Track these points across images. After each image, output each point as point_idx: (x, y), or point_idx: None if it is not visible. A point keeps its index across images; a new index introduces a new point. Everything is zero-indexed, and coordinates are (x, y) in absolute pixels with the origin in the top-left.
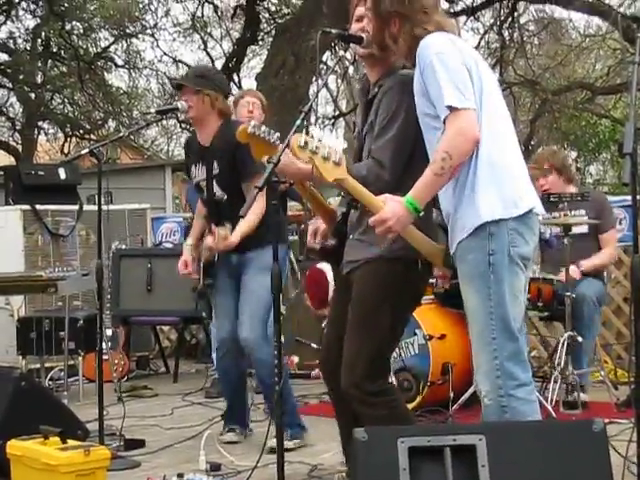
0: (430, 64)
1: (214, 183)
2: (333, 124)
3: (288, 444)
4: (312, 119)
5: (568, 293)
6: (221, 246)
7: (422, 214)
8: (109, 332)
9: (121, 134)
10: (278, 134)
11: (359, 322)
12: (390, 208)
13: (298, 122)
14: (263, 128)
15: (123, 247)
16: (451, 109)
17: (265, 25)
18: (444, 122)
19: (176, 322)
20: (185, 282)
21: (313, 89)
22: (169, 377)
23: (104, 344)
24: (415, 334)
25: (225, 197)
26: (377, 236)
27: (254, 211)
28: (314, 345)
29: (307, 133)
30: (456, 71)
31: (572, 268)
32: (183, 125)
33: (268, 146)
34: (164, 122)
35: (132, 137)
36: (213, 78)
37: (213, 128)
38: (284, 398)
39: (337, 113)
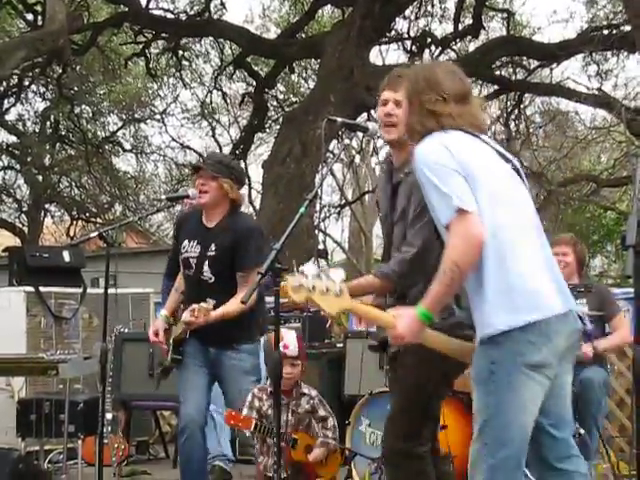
0: (424, 175)
1: (205, 263)
2: (339, 213)
3: None
4: (317, 207)
5: (572, 388)
6: (201, 319)
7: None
8: (109, 416)
9: (131, 219)
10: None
11: (406, 387)
12: (403, 325)
13: (302, 210)
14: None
15: (126, 331)
16: (451, 215)
17: (273, 113)
18: (446, 228)
19: (177, 407)
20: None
21: (319, 177)
22: (168, 462)
23: (104, 428)
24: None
25: (212, 279)
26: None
27: (239, 304)
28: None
29: (297, 271)
30: (449, 179)
31: (585, 346)
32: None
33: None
34: (170, 208)
35: (140, 221)
36: (233, 167)
37: (222, 213)
38: None
39: (343, 202)
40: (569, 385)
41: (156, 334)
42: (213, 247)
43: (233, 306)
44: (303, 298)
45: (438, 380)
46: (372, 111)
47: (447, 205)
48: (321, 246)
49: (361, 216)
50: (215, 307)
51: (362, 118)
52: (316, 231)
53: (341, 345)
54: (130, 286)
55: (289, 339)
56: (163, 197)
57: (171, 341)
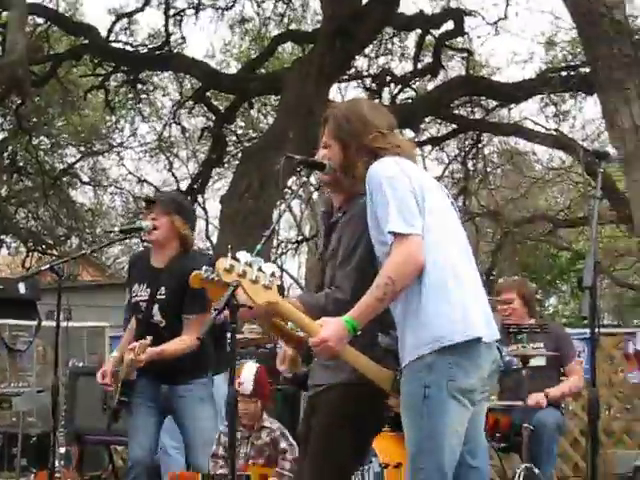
0: (379, 187)
1: (155, 307)
2: (296, 249)
3: None
4: (274, 243)
5: (525, 425)
6: (142, 357)
7: (366, 339)
8: (62, 450)
9: (84, 251)
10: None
11: (319, 452)
12: (329, 328)
13: (259, 247)
14: (216, 272)
15: (80, 365)
16: (396, 235)
17: (232, 147)
18: (390, 244)
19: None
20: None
21: (277, 213)
22: None
23: (57, 462)
24: (371, 461)
25: (163, 323)
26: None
27: (185, 341)
28: None
29: (234, 257)
30: (403, 197)
31: (536, 396)
32: (145, 244)
33: (223, 288)
34: (127, 240)
35: (94, 254)
36: (185, 207)
37: (171, 253)
38: None
39: (300, 238)
40: (484, 414)
41: (103, 376)
42: (163, 290)
43: (173, 345)
44: (231, 279)
45: (364, 429)
46: None
47: (393, 223)
48: (278, 282)
49: (318, 253)
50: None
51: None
52: None
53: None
54: (85, 319)
55: (245, 375)
56: (116, 229)
57: (119, 384)
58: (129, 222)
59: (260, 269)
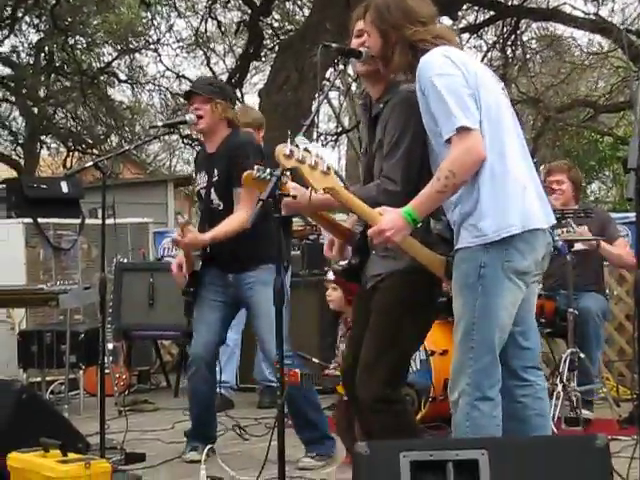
0: (432, 86)
1: (212, 191)
2: (336, 140)
3: (315, 463)
4: (314, 135)
5: (571, 310)
6: (187, 239)
7: (420, 225)
8: (110, 346)
9: (127, 147)
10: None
11: (382, 330)
12: (388, 219)
13: (300, 135)
14: (268, 170)
15: (125, 261)
16: (457, 130)
17: (268, 41)
18: (448, 141)
19: (177, 336)
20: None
21: (315, 104)
22: (170, 391)
23: (106, 358)
24: (417, 349)
25: (221, 206)
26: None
27: (234, 219)
28: (315, 360)
29: (258, 175)
30: (458, 92)
31: (583, 229)
32: (185, 141)
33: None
34: (166, 137)
35: (135, 152)
36: (223, 87)
37: (221, 136)
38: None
39: (340, 130)
40: (535, 296)
41: (179, 268)
42: (216, 172)
43: (223, 228)
44: (291, 165)
45: (423, 314)
46: None
47: (451, 120)
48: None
49: (358, 144)
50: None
51: None
52: None
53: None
54: (128, 217)
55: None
56: (159, 124)
57: (186, 276)
58: (168, 118)
59: (318, 155)
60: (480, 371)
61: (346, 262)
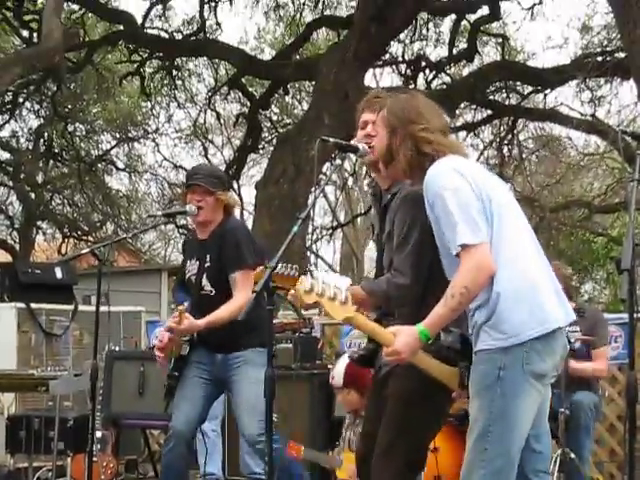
0: (440, 199)
1: (204, 277)
2: (331, 235)
3: None
4: (309, 229)
5: (562, 409)
6: (180, 327)
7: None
8: (99, 434)
9: (124, 236)
10: (296, 267)
11: (398, 415)
12: (403, 341)
13: (295, 228)
14: (280, 265)
15: (117, 349)
16: (464, 246)
17: (266, 134)
18: (457, 256)
19: (166, 426)
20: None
21: (311, 198)
22: None
23: (94, 446)
24: (435, 435)
25: (213, 292)
26: None
27: (233, 303)
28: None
29: (309, 274)
30: (466, 206)
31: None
32: (181, 230)
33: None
34: (162, 227)
35: (130, 240)
36: (222, 177)
37: (215, 223)
38: None
39: (335, 224)
40: (549, 398)
41: (161, 350)
42: (208, 258)
43: (220, 313)
44: (312, 300)
45: (441, 399)
46: None
47: (458, 235)
48: (313, 268)
49: (353, 238)
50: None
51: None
52: (308, 253)
53: (332, 366)
54: (121, 304)
55: (336, 370)
56: (159, 213)
57: (172, 360)
58: (165, 208)
59: (336, 285)
60: (492, 474)
61: (362, 349)
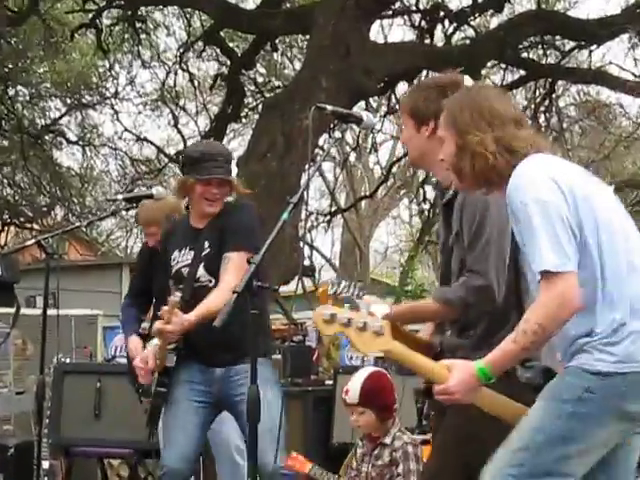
0: (524, 211)
1: (201, 267)
2: (329, 222)
3: None
4: (302, 214)
5: None
6: (173, 326)
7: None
8: (46, 464)
9: (77, 225)
10: (361, 286)
11: (448, 444)
12: (457, 379)
13: (285, 216)
14: (343, 284)
15: (68, 361)
16: (546, 274)
17: (250, 99)
18: (538, 282)
19: (129, 455)
20: (141, 406)
21: (305, 178)
22: None
23: (41, 479)
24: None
25: (212, 282)
26: None
27: (220, 294)
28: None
29: (334, 290)
30: (555, 224)
31: None
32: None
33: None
34: (123, 213)
35: (85, 229)
36: (232, 159)
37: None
38: None
39: (334, 209)
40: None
41: (145, 362)
42: (206, 245)
43: (213, 301)
44: (334, 332)
45: (496, 433)
46: (371, 99)
47: (542, 260)
48: (307, 262)
49: (356, 227)
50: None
51: (359, 107)
52: (301, 244)
53: (330, 382)
54: (74, 306)
55: (353, 382)
56: (119, 196)
57: (155, 374)
58: (126, 190)
59: (369, 310)
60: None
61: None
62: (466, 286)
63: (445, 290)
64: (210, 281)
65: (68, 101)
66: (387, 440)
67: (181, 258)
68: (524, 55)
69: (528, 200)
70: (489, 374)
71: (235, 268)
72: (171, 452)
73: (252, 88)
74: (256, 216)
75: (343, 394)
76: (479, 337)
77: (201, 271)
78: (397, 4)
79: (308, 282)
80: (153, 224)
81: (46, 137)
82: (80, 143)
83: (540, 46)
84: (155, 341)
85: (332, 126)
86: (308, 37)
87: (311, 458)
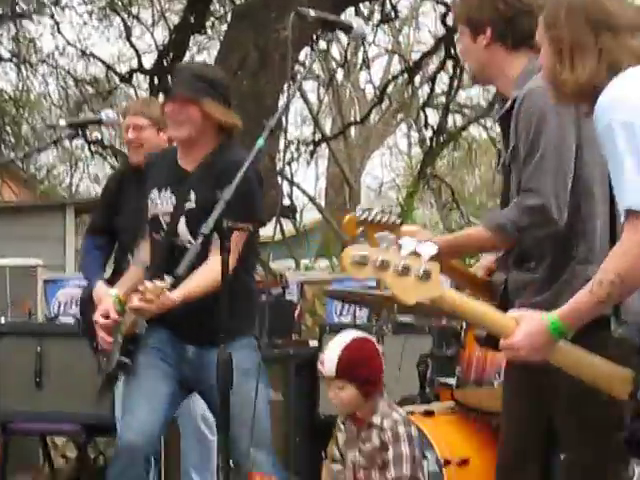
0: (609, 132)
1: (182, 222)
2: (312, 153)
3: None
4: (281, 144)
5: None
6: (154, 306)
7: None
8: None
9: (12, 157)
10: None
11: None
12: (524, 332)
13: (261, 142)
14: (375, 211)
15: (2, 321)
16: (632, 213)
17: (217, 5)
18: (625, 216)
19: (76, 431)
20: (91, 373)
21: (284, 99)
22: None
23: None
24: (425, 457)
25: (195, 245)
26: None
27: (212, 275)
28: None
29: (364, 218)
30: None
31: None
32: (94, 148)
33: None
34: (66, 143)
35: (20, 163)
36: (216, 80)
37: (207, 148)
38: None
39: (318, 137)
40: None
41: (106, 318)
42: (193, 197)
43: (202, 280)
44: (368, 276)
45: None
46: (361, 4)
47: (625, 193)
48: (286, 201)
49: (344, 158)
50: None
51: (348, 15)
52: (279, 179)
53: (315, 343)
54: (8, 256)
55: (329, 351)
56: (61, 122)
57: (119, 338)
58: (71, 114)
59: (413, 249)
60: None
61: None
62: (519, 207)
63: (496, 215)
64: (190, 243)
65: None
66: (375, 420)
67: (160, 201)
68: None
69: (615, 122)
70: (563, 329)
71: (232, 247)
72: (132, 423)
73: None
74: (257, 176)
75: (318, 364)
76: (545, 272)
77: (182, 227)
78: None
79: (288, 225)
80: (145, 118)
81: None
82: (14, 61)
83: None
84: (114, 291)
85: (315, 37)
86: None
87: (293, 434)
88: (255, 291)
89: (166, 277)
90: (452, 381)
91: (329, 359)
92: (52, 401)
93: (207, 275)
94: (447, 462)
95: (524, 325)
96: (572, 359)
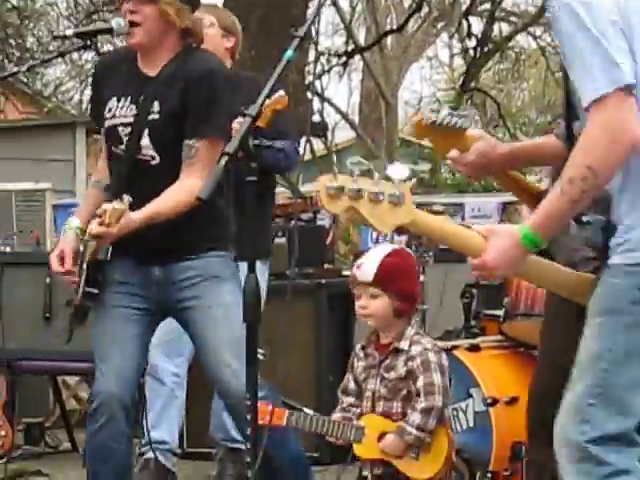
0: (568, 11)
1: (145, 134)
2: (345, 64)
3: None
4: (310, 55)
5: None
6: (116, 228)
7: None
8: None
9: (16, 69)
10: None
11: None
12: (495, 248)
13: (289, 53)
14: (443, 112)
15: (8, 250)
16: (597, 95)
17: None
18: (587, 109)
19: (89, 370)
20: None
21: (313, 7)
22: (77, 458)
23: None
24: (470, 396)
25: (156, 159)
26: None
27: (182, 192)
28: (307, 410)
29: (432, 120)
30: (602, 33)
31: None
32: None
33: (454, 136)
34: (75, 55)
35: (26, 77)
36: None
37: (169, 53)
38: None
39: (351, 48)
40: None
41: (62, 260)
42: (156, 107)
43: (162, 204)
44: (341, 208)
45: None
46: None
47: (586, 81)
48: (316, 117)
49: (381, 70)
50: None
51: None
52: (309, 94)
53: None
54: (15, 180)
55: (369, 257)
56: (69, 32)
57: (84, 267)
58: (81, 24)
59: (387, 176)
60: (608, 439)
61: None
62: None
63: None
64: (153, 158)
65: None
66: (403, 345)
67: (119, 112)
68: None
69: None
70: (537, 240)
71: (201, 164)
72: (106, 374)
73: None
74: (229, 76)
75: (354, 269)
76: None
77: (145, 140)
78: None
79: (318, 144)
80: (214, 17)
81: None
82: None
83: None
84: (75, 222)
85: None
86: None
87: (325, 371)
88: (222, 214)
89: (125, 197)
90: (499, 313)
91: (369, 262)
92: (63, 337)
93: (174, 197)
94: (494, 401)
95: (495, 240)
96: (536, 269)
